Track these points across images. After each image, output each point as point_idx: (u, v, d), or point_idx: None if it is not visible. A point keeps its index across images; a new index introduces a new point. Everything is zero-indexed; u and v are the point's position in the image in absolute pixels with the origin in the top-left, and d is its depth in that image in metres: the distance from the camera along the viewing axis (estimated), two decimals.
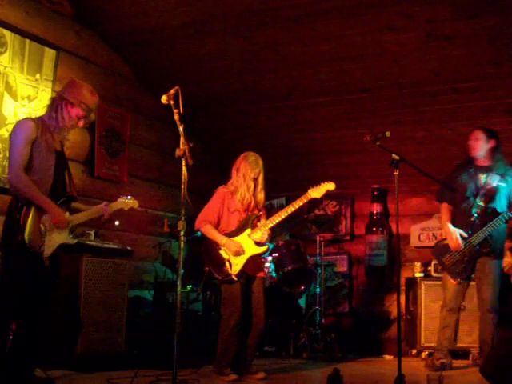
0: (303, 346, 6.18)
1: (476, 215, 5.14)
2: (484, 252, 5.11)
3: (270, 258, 6.31)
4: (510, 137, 5.81)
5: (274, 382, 4.69)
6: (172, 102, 3.79)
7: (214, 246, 4.76)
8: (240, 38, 5.66)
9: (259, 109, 6.70)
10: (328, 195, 5.08)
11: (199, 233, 5.15)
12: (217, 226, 4.83)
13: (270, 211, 5.27)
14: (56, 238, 3.86)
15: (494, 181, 5.18)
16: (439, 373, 4.27)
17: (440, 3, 4.93)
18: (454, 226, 5.21)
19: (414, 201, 7.19)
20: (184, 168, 3.75)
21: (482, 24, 5.02)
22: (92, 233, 5.12)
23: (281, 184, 7.08)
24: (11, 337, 3.79)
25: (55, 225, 3.83)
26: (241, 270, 4.70)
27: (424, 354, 6.13)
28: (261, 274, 4.89)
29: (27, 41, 5.18)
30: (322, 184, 4.85)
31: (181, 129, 3.77)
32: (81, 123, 3.98)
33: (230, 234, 4.77)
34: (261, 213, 4.90)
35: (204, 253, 4.86)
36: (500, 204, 5.14)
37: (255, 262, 4.82)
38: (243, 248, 4.73)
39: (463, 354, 5.89)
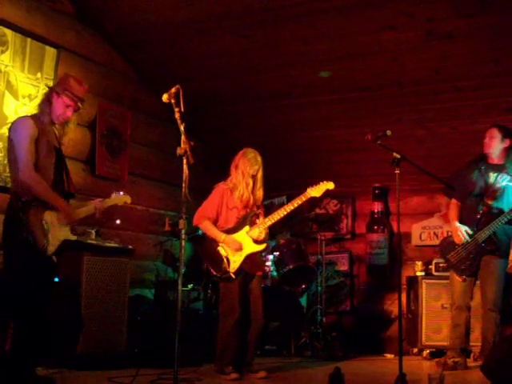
0: (304, 344, 6.19)
1: (482, 213, 5.14)
2: (489, 250, 5.11)
3: (271, 257, 6.31)
4: None
5: (275, 381, 4.70)
6: (173, 101, 3.78)
7: (212, 243, 4.75)
8: (241, 36, 5.66)
9: (260, 107, 6.69)
10: (329, 194, 5.08)
11: (200, 231, 5.14)
12: (215, 223, 4.81)
13: (270, 210, 5.25)
14: (58, 235, 3.86)
15: (504, 180, 5.16)
16: (440, 371, 4.27)
17: (440, 1, 4.92)
18: (460, 222, 5.21)
19: (415, 199, 7.19)
20: (185, 167, 3.74)
21: (483, 22, 5.01)
22: (93, 231, 5.13)
23: (281, 182, 7.07)
24: (12, 335, 3.79)
25: (66, 221, 3.87)
26: (239, 267, 4.69)
27: (425, 353, 6.14)
28: (259, 272, 4.88)
29: (28, 39, 5.18)
30: (322, 183, 4.86)
31: (182, 127, 3.76)
32: (69, 113, 3.96)
33: (228, 231, 4.76)
34: (259, 210, 4.88)
35: (202, 250, 4.85)
36: (508, 204, 5.12)
37: (253, 259, 4.81)
38: (242, 245, 4.73)
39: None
